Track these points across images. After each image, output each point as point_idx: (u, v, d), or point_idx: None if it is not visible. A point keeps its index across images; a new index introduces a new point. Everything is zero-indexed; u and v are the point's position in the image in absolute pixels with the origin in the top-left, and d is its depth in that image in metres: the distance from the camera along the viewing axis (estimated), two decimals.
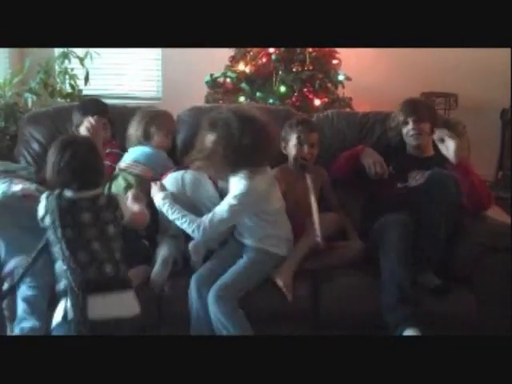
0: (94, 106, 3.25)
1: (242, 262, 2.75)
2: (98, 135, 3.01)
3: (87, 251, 2.28)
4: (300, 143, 3.04)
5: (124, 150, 3.23)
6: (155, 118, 3.18)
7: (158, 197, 2.78)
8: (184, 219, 2.70)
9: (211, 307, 2.60)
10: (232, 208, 2.67)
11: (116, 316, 2.25)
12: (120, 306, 2.28)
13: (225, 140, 2.65)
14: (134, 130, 3.19)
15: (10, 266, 2.57)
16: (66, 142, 2.40)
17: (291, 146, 3.07)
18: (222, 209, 2.68)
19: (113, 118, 3.32)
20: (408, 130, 3.13)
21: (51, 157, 2.38)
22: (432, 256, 2.81)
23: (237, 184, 2.69)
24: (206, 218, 2.68)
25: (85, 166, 2.35)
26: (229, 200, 2.69)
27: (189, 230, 2.70)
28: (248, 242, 2.81)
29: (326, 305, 2.77)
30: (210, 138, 2.70)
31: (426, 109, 3.17)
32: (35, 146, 3.36)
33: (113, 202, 2.41)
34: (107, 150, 3.13)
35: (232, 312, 2.60)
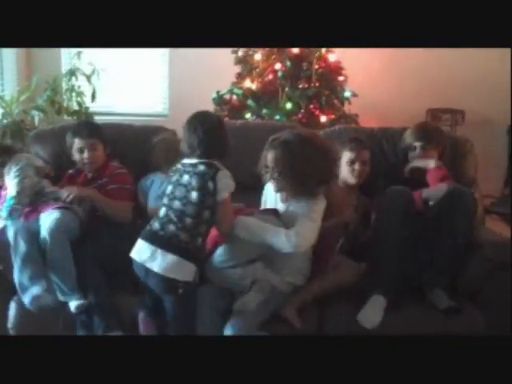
0: (83, 127, 3.23)
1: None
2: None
3: (169, 207, 2.54)
4: (352, 161, 3.08)
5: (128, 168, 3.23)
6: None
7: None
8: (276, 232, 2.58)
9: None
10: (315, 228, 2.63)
11: (154, 270, 2.47)
12: (162, 265, 2.46)
13: (301, 160, 2.61)
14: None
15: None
16: (190, 123, 2.62)
17: (343, 163, 3.11)
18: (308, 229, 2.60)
19: (117, 136, 3.33)
20: (414, 155, 3.14)
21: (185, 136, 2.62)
22: (446, 272, 2.80)
23: (314, 205, 2.66)
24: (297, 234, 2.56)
25: (202, 140, 2.55)
26: (310, 221, 2.62)
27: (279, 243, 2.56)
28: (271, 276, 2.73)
29: (330, 330, 2.73)
30: (275, 156, 2.66)
31: (435, 136, 3.18)
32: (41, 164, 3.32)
33: (210, 170, 2.53)
34: (109, 187, 3.11)
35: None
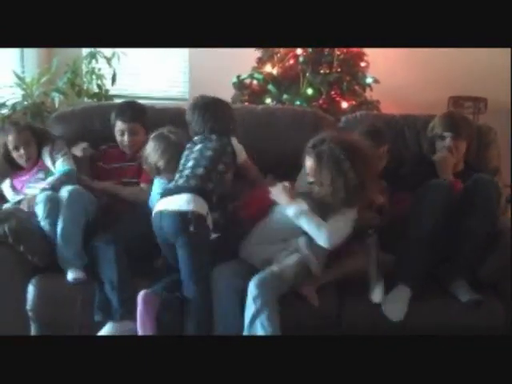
0: (126, 110, 3.25)
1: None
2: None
3: (182, 170, 2.82)
4: None
5: None
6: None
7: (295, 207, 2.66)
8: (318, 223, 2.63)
9: (252, 291, 2.53)
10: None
11: (169, 208, 2.68)
12: (174, 203, 2.67)
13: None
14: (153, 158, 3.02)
15: None
16: (194, 105, 3.02)
17: None
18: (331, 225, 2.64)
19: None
20: (444, 145, 3.08)
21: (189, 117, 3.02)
22: (467, 263, 2.77)
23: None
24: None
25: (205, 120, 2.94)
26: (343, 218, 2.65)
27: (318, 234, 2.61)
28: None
29: (349, 318, 2.73)
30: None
31: (465, 126, 3.12)
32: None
33: (223, 139, 2.89)
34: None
35: (271, 303, 2.53)
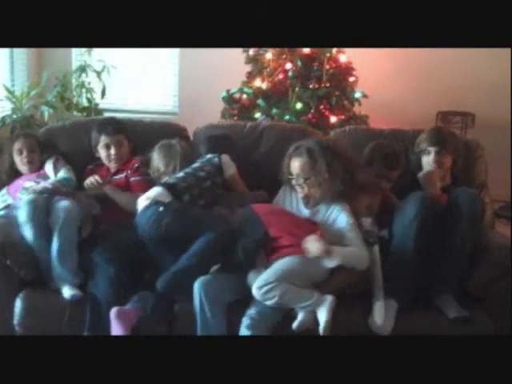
0: (108, 124, 3.28)
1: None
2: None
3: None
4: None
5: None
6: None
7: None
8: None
9: (244, 331, 2.54)
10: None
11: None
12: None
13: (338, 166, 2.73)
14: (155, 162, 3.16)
15: None
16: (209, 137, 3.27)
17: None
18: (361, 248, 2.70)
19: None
20: (428, 160, 3.10)
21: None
22: (453, 277, 2.77)
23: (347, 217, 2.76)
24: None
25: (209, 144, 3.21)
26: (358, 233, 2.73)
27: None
28: None
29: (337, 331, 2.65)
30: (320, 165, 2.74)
31: (450, 141, 3.13)
32: None
33: (214, 155, 3.09)
34: (131, 179, 3.17)
35: None
